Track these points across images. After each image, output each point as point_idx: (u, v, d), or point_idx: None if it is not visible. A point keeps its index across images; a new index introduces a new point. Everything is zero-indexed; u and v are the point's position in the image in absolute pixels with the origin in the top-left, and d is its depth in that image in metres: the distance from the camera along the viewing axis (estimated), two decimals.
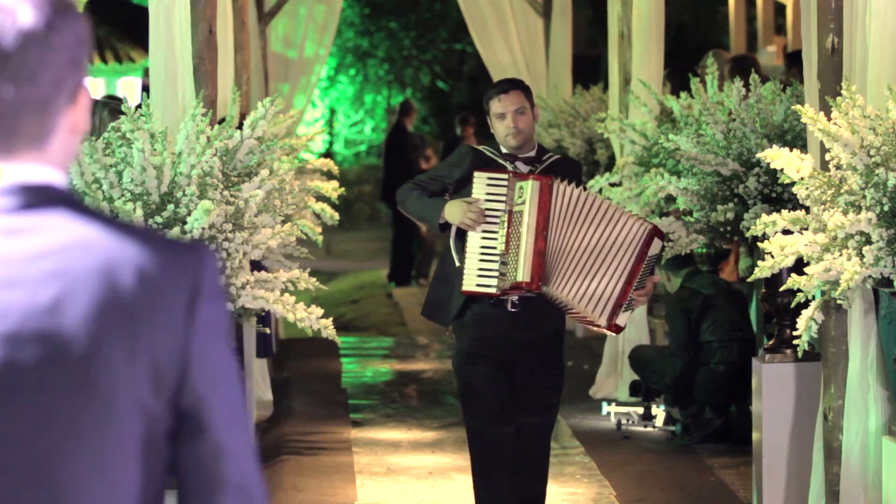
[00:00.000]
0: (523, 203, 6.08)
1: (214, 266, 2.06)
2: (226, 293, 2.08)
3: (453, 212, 6.08)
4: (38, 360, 1.95)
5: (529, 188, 6.07)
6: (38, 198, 2.01)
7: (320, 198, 7.15)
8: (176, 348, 2.01)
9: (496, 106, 6.20)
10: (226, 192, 5.80)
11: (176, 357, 2.01)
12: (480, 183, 6.12)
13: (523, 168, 6.23)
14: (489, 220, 6.11)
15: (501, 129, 6.20)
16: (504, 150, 6.24)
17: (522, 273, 6.03)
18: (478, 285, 6.09)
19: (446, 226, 6.15)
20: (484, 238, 6.11)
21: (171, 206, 5.64)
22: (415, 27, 26.90)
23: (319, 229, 7.03)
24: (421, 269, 17.89)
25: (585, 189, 6.18)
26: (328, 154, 24.57)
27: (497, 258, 6.09)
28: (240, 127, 6.23)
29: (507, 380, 6.22)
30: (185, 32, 6.08)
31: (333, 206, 7.17)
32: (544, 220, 6.07)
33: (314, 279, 6.16)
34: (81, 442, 1.96)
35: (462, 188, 6.18)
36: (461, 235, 6.14)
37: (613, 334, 6.26)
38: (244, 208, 5.84)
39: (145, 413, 2.00)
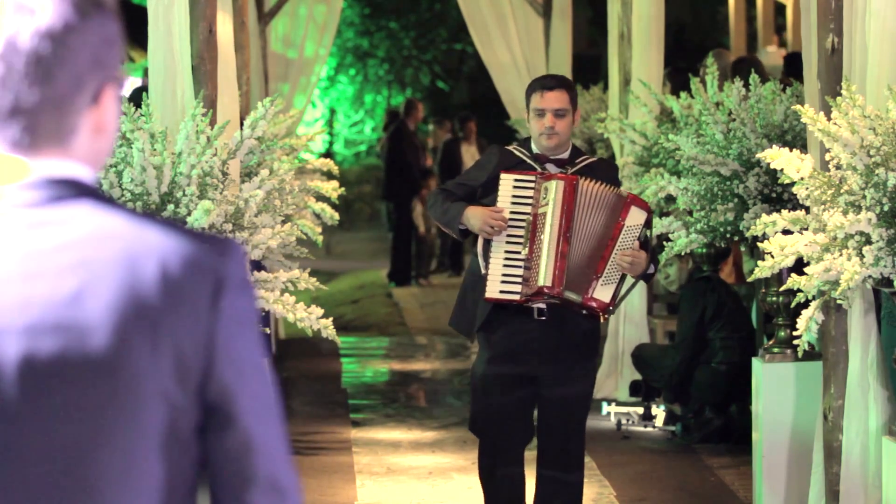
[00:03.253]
0: (547, 204, 5.82)
1: (239, 258, 2.04)
2: (253, 285, 2.06)
3: (474, 218, 5.84)
4: (59, 352, 1.94)
5: (554, 188, 5.82)
6: (63, 191, 2.00)
7: (320, 198, 7.14)
8: (200, 340, 1.99)
9: (536, 101, 5.91)
10: (226, 193, 5.79)
11: (200, 348, 1.99)
12: (507, 185, 5.87)
13: (554, 170, 5.95)
14: (515, 224, 5.85)
15: (536, 126, 5.91)
16: (535, 151, 5.96)
17: (544, 277, 5.77)
18: (501, 292, 5.83)
19: (467, 232, 5.92)
20: (509, 243, 5.85)
21: (171, 206, 5.64)
22: (415, 27, 26.91)
23: (319, 229, 7.02)
24: (420, 269, 17.88)
25: (615, 187, 5.92)
26: (328, 154, 24.56)
27: (522, 263, 5.83)
28: (240, 127, 6.23)
29: (530, 399, 5.96)
30: (185, 32, 6.07)
31: (333, 206, 7.16)
32: (568, 221, 5.81)
33: (314, 279, 6.15)
34: (106, 433, 1.95)
35: (490, 191, 5.91)
36: (489, 241, 5.89)
37: (601, 312, 5.88)
38: (244, 208, 5.84)
39: (170, 404, 1.98)
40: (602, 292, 5.85)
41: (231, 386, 2.01)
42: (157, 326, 1.97)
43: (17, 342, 1.94)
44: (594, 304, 5.84)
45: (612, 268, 5.85)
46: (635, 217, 5.88)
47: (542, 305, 5.88)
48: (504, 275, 5.84)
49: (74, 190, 2.01)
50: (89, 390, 1.95)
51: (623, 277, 5.90)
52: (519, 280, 5.84)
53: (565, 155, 5.99)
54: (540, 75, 6.24)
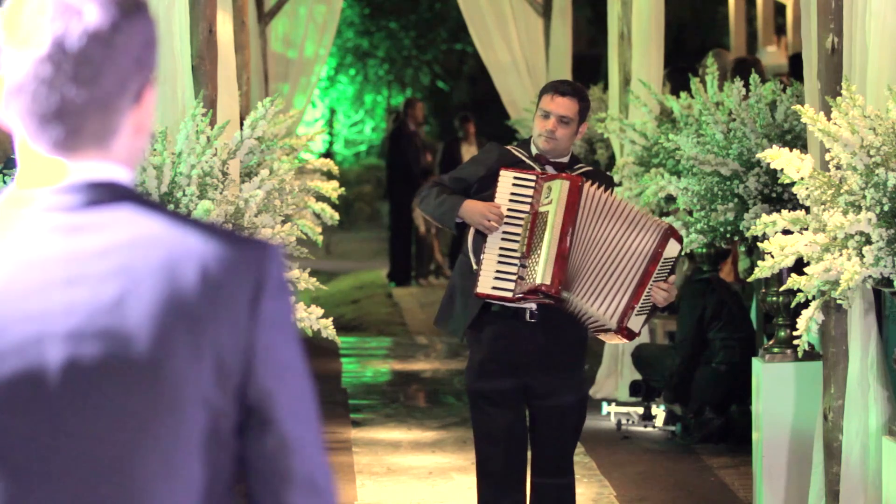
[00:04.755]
0: (550, 203, 5.78)
1: (279, 262, 2.05)
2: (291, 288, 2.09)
3: (471, 211, 5.79)
4: (102, 358, 1.95)
5: (558, 187, 5.78)
6: (103, 195, 2.01)
7: (320, 198, 7.13)
8: (240, 344, 2.00)
9: (546, 102, 5.90)
10: (226, 193, 5.79)
11: (240, 352, 2.00)
12: (506, 182, 5.83)
13: (554, 172, 5.92)
14: (511, 221, 5.81)
15: (538, 126, 5.90)
16: (535, 151, 5.94)
17: (542, 276, 5.72)
18: (493, 288, 5.77)
19: (463, 226, 5.87)
20: (504, 240, 5.80)
21: (171, 207, 5.64)
22: (415, 27, 26.90)
23: (319, 229, 7.02)
24: (420, 268, 17.88)
25: (613, 194, 5.90)
26: (328, 154, 24.57)
27: (517, 261, 5.78)
28: (240, 127, 6.23)
29: (524, 417, 5.93)
30: (185, 32, 6.07)
31: (333, 206, 7.16)
32: (571, 221, 5.77)
33: (314, 279, 6.15)
34: (148, 438, 1.96)
35: (487, 187, 5.87)
36: (481, 236, 5.84)
37: (626, 341, 5.94)
38: (244, 208, 5.83)
39: (210, 408, 1.99)
40: (635, 322, 5.85)
41: (271, 388, 2.02)
42: (198, 331, 1.98)
43: (60, 348, 1.95)
44: (626, 333, 5.85)
45: (648, 299, 5.85)
46: (672, 249, 5.88)
47: (534, 307, 5.84)
48: (497, 271, 5.79)
49: (114, 193, 2.01)
50: (132, 395, 1.96)
51: (653, 308, 5.91)
52: (513, 278, 5.79)
53: (565, 160, 5.98)
54: (557, 80, 6.26)
